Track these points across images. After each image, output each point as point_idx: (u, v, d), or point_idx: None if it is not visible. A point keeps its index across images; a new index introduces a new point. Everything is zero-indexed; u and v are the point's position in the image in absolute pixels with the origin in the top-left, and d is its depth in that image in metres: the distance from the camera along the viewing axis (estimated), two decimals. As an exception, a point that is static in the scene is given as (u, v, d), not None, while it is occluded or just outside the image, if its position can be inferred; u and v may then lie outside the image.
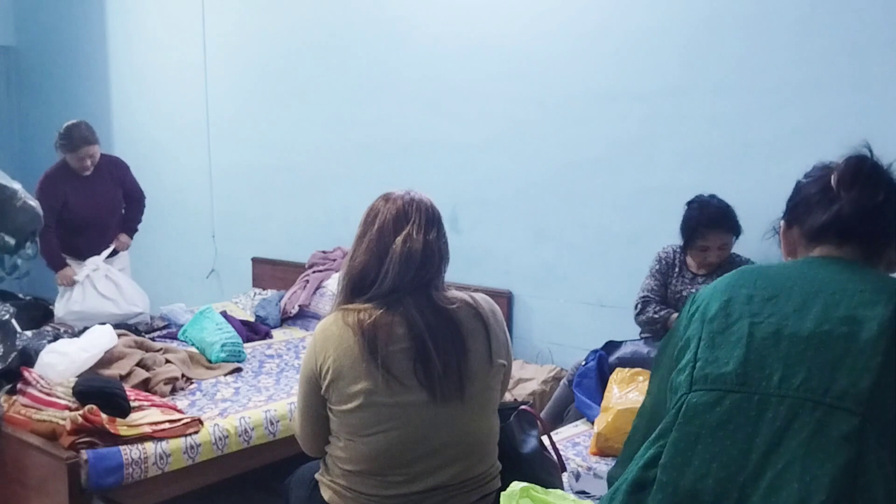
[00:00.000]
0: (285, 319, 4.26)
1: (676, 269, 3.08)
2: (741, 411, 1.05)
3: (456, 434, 1.76)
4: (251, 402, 3.03)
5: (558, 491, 1.61)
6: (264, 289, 4.77)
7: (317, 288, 4.26)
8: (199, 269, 5.36)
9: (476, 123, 3.88)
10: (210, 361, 3.45)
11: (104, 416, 2.51)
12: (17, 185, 2.75)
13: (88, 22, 5.93)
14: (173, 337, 3.83)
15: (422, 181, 3.59)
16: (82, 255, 4.05)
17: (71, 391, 2.67)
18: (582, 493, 2.22)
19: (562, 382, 3.26)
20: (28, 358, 2.93)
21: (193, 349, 3.55)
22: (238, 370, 3.41)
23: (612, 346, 3.06)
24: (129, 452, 2.50)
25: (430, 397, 1.72)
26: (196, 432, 2.69)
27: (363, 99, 4.35)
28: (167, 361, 3.25)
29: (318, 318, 4.02)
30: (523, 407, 2.08)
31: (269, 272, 4.90)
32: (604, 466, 2.46)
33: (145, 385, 3.03)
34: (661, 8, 3.26)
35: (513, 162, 3.78)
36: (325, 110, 4.55)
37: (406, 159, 4.17)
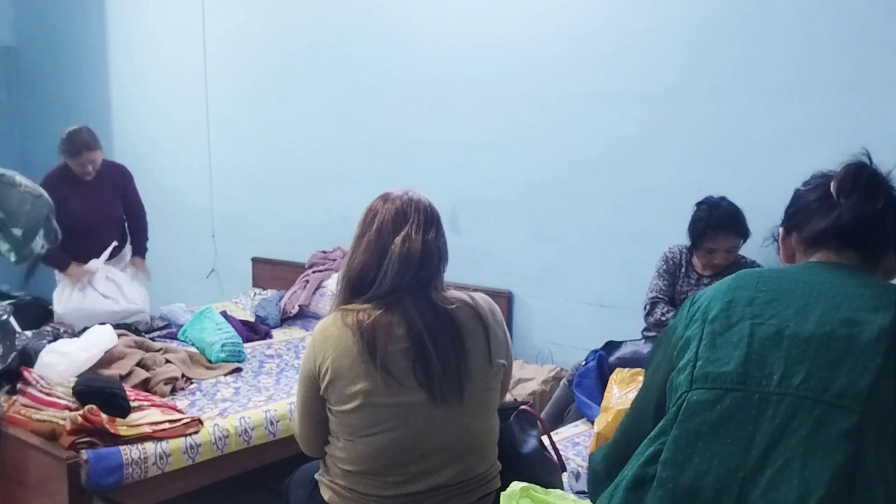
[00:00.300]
0: (285, 319, 4.26)
1: (683, 270, 3.07)
2: (741, 409, 1.06)
3: (455, 434, 1.76)
4: (251, 402, 3.03)
5: (558, 491, 1.61)
6: (264, 289, 4.77)
7: (317, 288, 4.27)
8: (199, 269, 5.36)
9: (476, 123, 3.88)
10: (210, 361, 3.45)
11: (104, 416, 2.51)
12: (11, 172, 2.72)
13: (88, 22, 5.93)
14: (173, 337, 3.83)
15: (422, 181, 3.60)
16: (77, 259, 4.05)
17: (71, 391, 2.67)
18: (582, 493, 2.21)
19: (562, 383, 3.26)
20: (28, 358, 2.93)
21: (193, 349, 3.55)
22: (238, 370, 3.41)
23: (612, 346, 3.06)
24: (129, 452, 2.50)
25: (429, 397, 1.72)
26: (196, 432, 2.69)
27: (363, 99, 4.35)
28: (167, 361, 3.25)
29: (318, 318, 4.02)
30: (523, 407, 2.08)
31: (269, 272, 4.90)
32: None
33: (145, 385, 3.03)
34: (661, 8, 3.26)
35: (513, 162, 3.78)
36: (325, 110, 4.55)
37: (406, 159, 4.17)
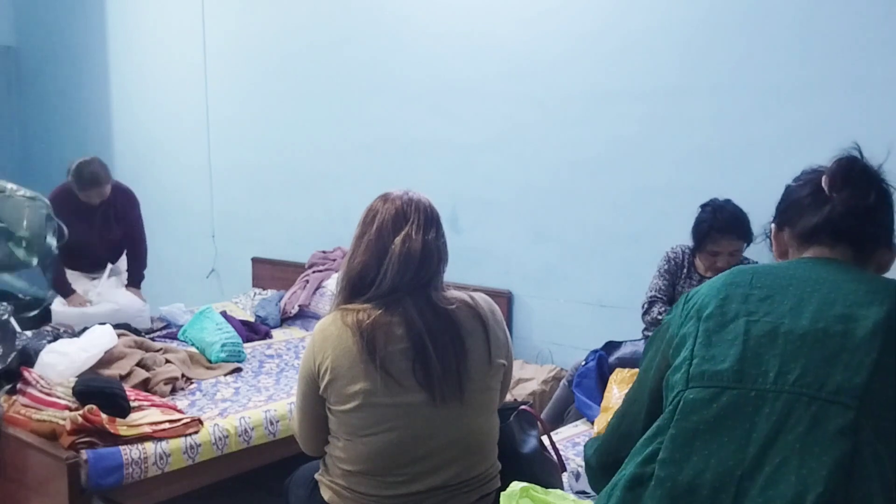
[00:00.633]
0: (285, 319, 4.26)
1: (685, 270, 3.06)
2: (738, 407, 1.06)
3: (455, 434, 1.76)
4: (251, 402, 3.03)
5: (558, 491, 1.61)
6: (264, 289, 4.77)
7: (317, 288, 4.27)
8: (199, 269, 5.36)
9: (476, 123, 3.88)
10: (210, 361, 3.45)
11: (104, 416, 2.51)
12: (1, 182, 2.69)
13: (88, 22, 5.93)
14: (173, 337, 3.83)
15: (422, 181, 3.61)
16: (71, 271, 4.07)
17: (71, 391, 2.67)
18: (582, 493, 2.21)
19: (562, 383, 3.26)
20: (28, 358, 2.93)
21: (193, 349, 3.55)
22: (238, 370, 3.41)
23: (611, 346, 3.06)
24: (129, 452, 2.50)
25: (429, 398, 1.72)
26: (196, 432, 2.69)
27: (363, 99, 4.35)
28: (167, 361, 3.25)
29: (317, 318, 4.02)
30: (523, 407, 2.08)
31: (269, 272, 4.90)
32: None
33: (145, 385, 3.03)
34: (661, 8, 3.26)
35: (513, 162, 3.78)
36: (325, 110, 4.56)
37: (406, 159, 4.17)
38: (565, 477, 2.25)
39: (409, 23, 4.09)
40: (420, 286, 1.76)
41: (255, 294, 4.67)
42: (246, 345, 3.69)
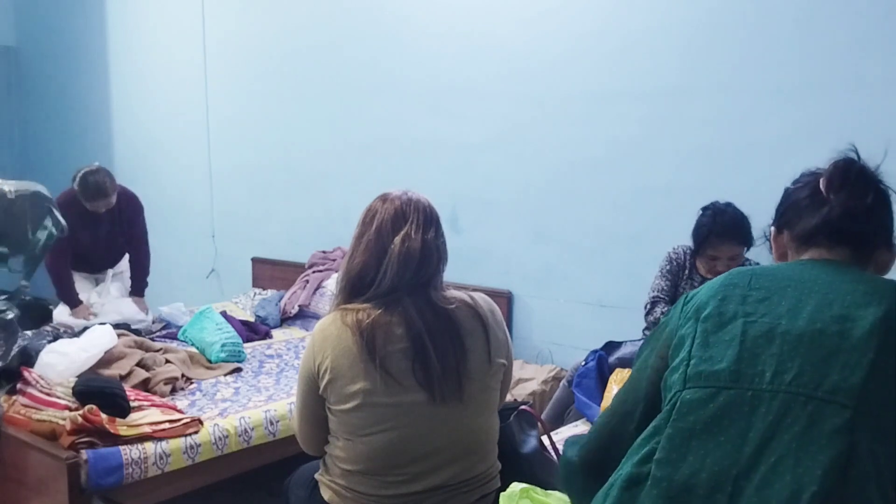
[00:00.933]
0: (285, 319, 4.26)
1: (686, 271, 3.06)
2: (735, 407, 1.06)
3: (455, 434, 1.76)
4: (251, 402, 3.03)
5: (557, 493, 1.61)
6: (264, 289, 4.77)
7: (317, 288, 4.27)
8: (199, 269, 5.36)
9: (476, 123, 3.88)
10: (210, 361, 3.45)
11: (104, 416, 2.51)
12: None
13: (88, 22, 5.93)
14: (173, 337, 3.83)
15: (422, 181, 3.61)
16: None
17: (71, 391, 2.67)
18: (582, 494, 2.21)
19: (562, 383, 3.25)
20: (28, 358, 2.93)
21: (193, 349, 3.56)
22: (238, 370, 3.41)
23: (611, 346, 3.06)
24: (128, 452, 2.50)
25: (428, 397, 1.72)
26: (196, 432, 2.69)
27: (363, 99, 4.35)
28: (167, 361, 3.25)
29: (317, 318, 4.02)
30: (523, 407, 2.08)
31: (269, 272, 4.90)
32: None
33: (145, 385, 3.03)
34: (661, 8, 3.26)
35: (513, 162, 3.78)
36: (325, 110, 4.56)
37: (406, 159, 4.17)
38: (565, 477, 2.24)
39: (409, 23, 4.09)
40: (419, 286, 1.76)
41: (255, 294, 4.68)
42: (246, 345, 3.69)
